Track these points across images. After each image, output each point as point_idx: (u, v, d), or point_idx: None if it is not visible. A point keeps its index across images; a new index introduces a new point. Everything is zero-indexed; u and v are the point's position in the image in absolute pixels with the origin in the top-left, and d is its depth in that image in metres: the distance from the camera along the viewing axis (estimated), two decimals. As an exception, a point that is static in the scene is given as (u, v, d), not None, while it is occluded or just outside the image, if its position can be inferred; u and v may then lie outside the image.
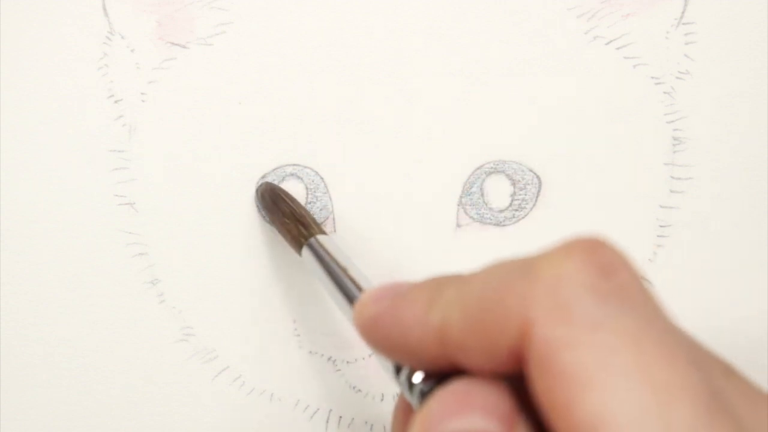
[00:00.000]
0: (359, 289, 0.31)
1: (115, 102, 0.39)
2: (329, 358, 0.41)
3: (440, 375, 0.25)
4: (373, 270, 0.40)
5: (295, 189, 0.40)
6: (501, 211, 0.41)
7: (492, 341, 0.22)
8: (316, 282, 0.40)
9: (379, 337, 0.26)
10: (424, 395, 0.25)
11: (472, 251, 0.40)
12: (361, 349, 0.40)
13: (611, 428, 0.20)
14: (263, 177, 0.40)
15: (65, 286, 0.40)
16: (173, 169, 0.40)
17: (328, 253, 0.34)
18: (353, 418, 0.41)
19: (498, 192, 0.41)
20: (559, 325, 0.21)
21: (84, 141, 0.39)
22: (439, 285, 0.25)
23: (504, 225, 0.41)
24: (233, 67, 0.40)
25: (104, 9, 0.39)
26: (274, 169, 0.40)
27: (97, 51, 0.39)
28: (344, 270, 0.33)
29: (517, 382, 0.23)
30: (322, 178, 0.40)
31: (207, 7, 0.39)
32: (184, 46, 0.39)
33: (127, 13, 0.39)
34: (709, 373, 0.22)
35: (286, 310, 0.40)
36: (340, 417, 0.41)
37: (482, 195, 0.40)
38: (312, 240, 0.36)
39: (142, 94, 0.39)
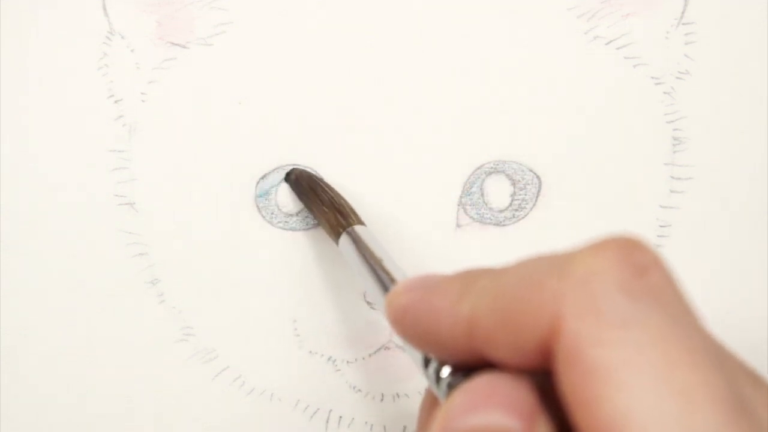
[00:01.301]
0: (393, 280, 0.31)
1: (115, 102, 0.39)
2: (329, 358, 0.41)
3: (467, 369, 0.25)
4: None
5: (295, 189, 0.40)
6: (501, 211, 0.41)
7: (520, 334, 0.22)
8: (319, 281, 0.40)
9: (410, 326, 0.26)
10: (450, 389, 0.25)
11: (472, 251, 0.40)
12: (361, 349, 0.40)
13: (633, 428, 0.20)
14: (263, 177, 0.40)
15: (65, 286, 0.40)
16: (173, 169, 0.40)
17: (365, 244, 0.35)
18: (353, 418, 0.41)
19: (498, 192, 0.41)
20: (589, 321, 0.21)
21: (84, 141, 0.39)
22: (471, 277, 0.25)
23: (504, 225, 0.41)
24: (233, 67, 0.40)
25: (104, 9, 0.39)
26: (274, 169, 0.40)
27: (97, 51, 0.39)
28: (380, 261, 0.33)
29: (543, 378, 0.23)
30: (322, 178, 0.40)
31: (207, 7, 0.39)
32: (184, 46, 0.39)
33: (127, 13, 0.39)
34: (735, 379, 0.22)
35: (286, 310, 0.40)
36: (340, 417, 0.41)
37: (482, 195, 0.40)
38: (350, 230, 0.36)
39: (142, 94, 0.39)
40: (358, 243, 0.35)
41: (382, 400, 0.41)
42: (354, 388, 0.41)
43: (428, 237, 0.40)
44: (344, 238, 0.36)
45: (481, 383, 0.23)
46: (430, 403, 0.28)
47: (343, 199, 0.38)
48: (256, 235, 0.40)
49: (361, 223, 0.37)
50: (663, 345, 0.21)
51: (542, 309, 0.22)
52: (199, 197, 0.40)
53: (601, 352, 0.21)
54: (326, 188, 0.38)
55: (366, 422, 0.41)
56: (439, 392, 0.26)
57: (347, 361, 0.41)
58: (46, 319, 0.40)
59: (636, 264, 0.22)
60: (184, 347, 0.40)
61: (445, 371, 0.25)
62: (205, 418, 0.41)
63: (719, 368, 0.21)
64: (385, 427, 0.41)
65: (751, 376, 0.24)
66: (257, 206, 0.40)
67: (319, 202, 0.38)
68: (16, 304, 0.40)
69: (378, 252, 0.34)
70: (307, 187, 0.39)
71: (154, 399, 0.40)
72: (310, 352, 0.41)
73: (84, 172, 0.39)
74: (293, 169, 0.40)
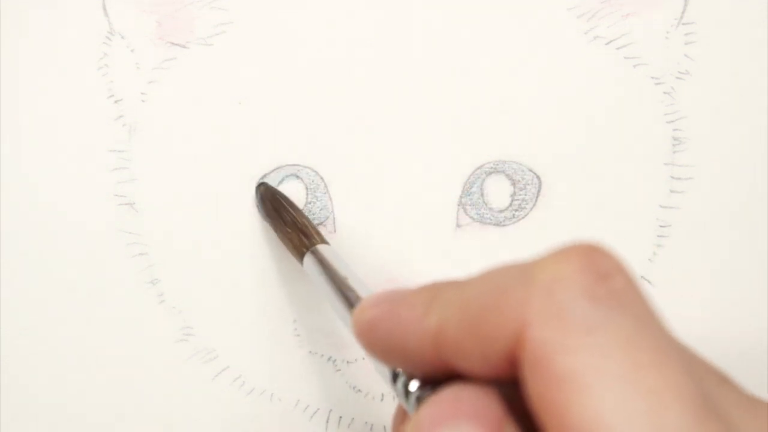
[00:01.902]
0: (359, 298, 0.31)
1: (115, 102, 0.39)
2: (329, 358, 0.41)
3: (436, 381, 0.25)
4: (373, 270, 0.40)
5: (295, 189, 0.40)
6: (501, 211, 0.41)
7: (487, 344, 0.22)
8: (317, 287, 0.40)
9: (377, 340, 0.26)
10: (419, 402, 0.25)
11: (472, 251, 0.40)
12: (361, 349, 0.40)
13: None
14: (263, 177, 0.40)
15: (65, 286, 0.40)
16: (173, 169, 0.40)
17: (329, 263, 0.35)
18: (353, 418, 0.41)
19: (498, 192, 0.41)
20: (554, 327, 0.21)
21: (84, 141, 0.39)
22: (437, 289, 0.25)
23: (504, 225, 0.41)
24: (233, 67, 0.40)
25: (104, 9, 0.39)
26: (274, 169, 0.40)
27: (97, 51, 0.39)
28: (344, 279, 0.33)
29: (510, 388, 0.23)
30: (322, 178, 0.40)
31: (207, 7, 0.39)
32: (184, 46, 0.39)
33: (127, 13, 0.39)
34: (701, 380, 0.22)
35: (286, 310, 0.40)
36: (340, 417, 0.41)
37: (482, 195, 0.40)
38: (313, 249, 0.36)
39: (142, 94, 0.39)
40: (322, 263, 0.35)
41: (382, 400, 0.41)
42: (354, 388, 0.41)
43: (428, 237, 0.40)
44: (308, 258, 0.36)
45: (448, 395, 0.23)
46: (401, 418, 0.28)
47: (307, 219, 0.38)
48: (256, 234, 0.40)
49: (324, 242, 0.37)
50: (629, 348, 0.21)
51: (507, 317, 0.22)
52: (199, 197, 0.40)
53: (568, 358, 0.21)
54: (289, 208, 0.38)
55: (366, 422, 0.41)
56: (408, 406, 0.25)
57: (347, 361, 0.41)
58: (46, 319, 0.40)
59: (599, 270, 0.22)
60: (184, 347, 0.40)
61: (413, 385, 0.25)
62: (205, 418, 0.41)
63: (686, 369, 0.21)
64: (385, 427, 0.41)
65: (717, 375, 0.24)
66: (257, 206, 0.40)
67: (282, 223, 0.38)
68: (16, 304, 0.40)
69: (342, 271, 0.34)
70: (271, 208, 0.39)
71: (153, 399, 0.40)
72: (310, 352, 0.41)
73: (84, 172, 0.39)
74: (260, 186, 0.40)
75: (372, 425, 0.41)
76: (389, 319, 0.25)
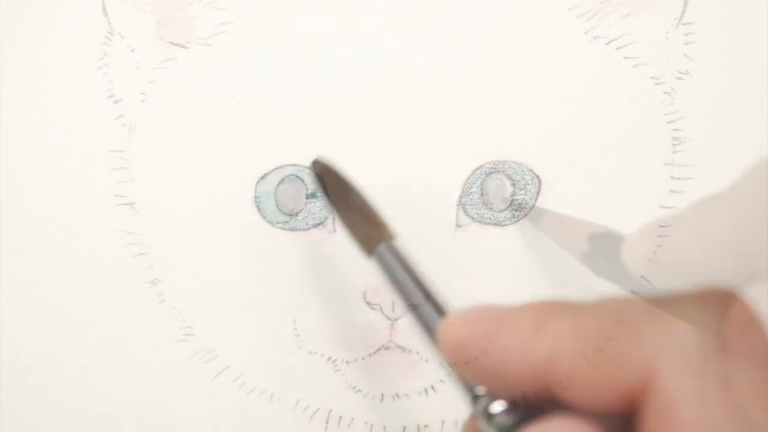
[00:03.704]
0: (428, 296, 0.30)
1: (115, 102, 0.39)
2: (329, 358, 0.41)
3: (521, 405, 0.24)
4: (373, 271, 0.40)
5: (295, 189, 0.40)
6: (501, 211, 0.41)
7: (608, 381, 0.22)
8: (319, 281, 0.40)
9: (469, 360, 0.25)
10: (502, 428, 0.24)
11: (472, 251, 0.40)
12: (361, 349, 0.40)
13: None
14: (263, 177, 0.40)
15: (65, 286, 0.40)
16: (173, 169, 0.40)
17: (399, 259, 0.33)
18: (353, 418, 0.41)
19: (498, 192, 0.41)
20: (689, 378, 0.21)
21: (84, 141, 0.39)
22: (544, 312, 0.24)
23: (504, 225, 0.41)
24: (233, 67, 0.40)
25: (104, 9, 0.39)
26: (274, 169, 0.40)
27: (97, 51, 0.39)
28: (414, 275, 0.32)
29: (609, 420, 0.22)
30: (322, 178, 0.40)
31: (207, 7, 0.39)
32: (184, 46, 0.39)
33: (127, 13, 0.39)
34: None
35: (286, 310, 0.40)
36: (340, 417, 0.41)
37: (482, 195, 0.40)
38: (384, 244, 0.34)
39: (142, 94, 0.39)
40: (392, 257, 0.33)
41: (382, 400, 0.41)
42: (354, 388, 0.41)
43: (428, 237, 0.40)
44: (378, 252, 0.34)
45: (553, 428, 0.22)
46: None
47: (375, 207, 0.36)
48: (256, 235, 0.40)
49: (394, 235, 0.35)
50: (762, 404, 0.20)
51: (636, 359, 0.21)
52: (199, 197, 0.40)
53: (700, 410, 0.20)
54: (358, 192, 0.37)
55: (366, 422, 0.41)
56: (489, 429, 0.25)
57: (347, 361, 0.41)
58: (47, 319, 0.40)
59: (738, 321, 0.22)
60: (184, 347, 0.40)
61: (497, 407, 0.25)
62: (205, 418, 0.41)
63: None
64: (385, 427, 0.41)
65: None
66: (257, 206, 0.40)
67: (348, 210, 0.36)
68: (16, 304, 0.40)
69: (413, 267, 0.32)
70: (337, 189, 0.37)
71: (154, 399, 0.40)
72: (310, 352, 0.41)
73: (84, 172, 0.39)
74: (317, 164, 0.38)
75: (372, 425, 0.41)
76: (488, 340, 0.24)
